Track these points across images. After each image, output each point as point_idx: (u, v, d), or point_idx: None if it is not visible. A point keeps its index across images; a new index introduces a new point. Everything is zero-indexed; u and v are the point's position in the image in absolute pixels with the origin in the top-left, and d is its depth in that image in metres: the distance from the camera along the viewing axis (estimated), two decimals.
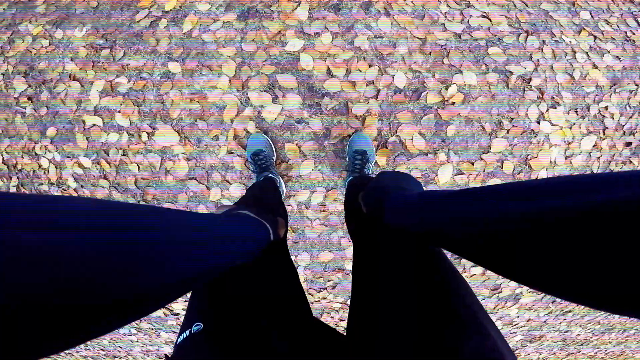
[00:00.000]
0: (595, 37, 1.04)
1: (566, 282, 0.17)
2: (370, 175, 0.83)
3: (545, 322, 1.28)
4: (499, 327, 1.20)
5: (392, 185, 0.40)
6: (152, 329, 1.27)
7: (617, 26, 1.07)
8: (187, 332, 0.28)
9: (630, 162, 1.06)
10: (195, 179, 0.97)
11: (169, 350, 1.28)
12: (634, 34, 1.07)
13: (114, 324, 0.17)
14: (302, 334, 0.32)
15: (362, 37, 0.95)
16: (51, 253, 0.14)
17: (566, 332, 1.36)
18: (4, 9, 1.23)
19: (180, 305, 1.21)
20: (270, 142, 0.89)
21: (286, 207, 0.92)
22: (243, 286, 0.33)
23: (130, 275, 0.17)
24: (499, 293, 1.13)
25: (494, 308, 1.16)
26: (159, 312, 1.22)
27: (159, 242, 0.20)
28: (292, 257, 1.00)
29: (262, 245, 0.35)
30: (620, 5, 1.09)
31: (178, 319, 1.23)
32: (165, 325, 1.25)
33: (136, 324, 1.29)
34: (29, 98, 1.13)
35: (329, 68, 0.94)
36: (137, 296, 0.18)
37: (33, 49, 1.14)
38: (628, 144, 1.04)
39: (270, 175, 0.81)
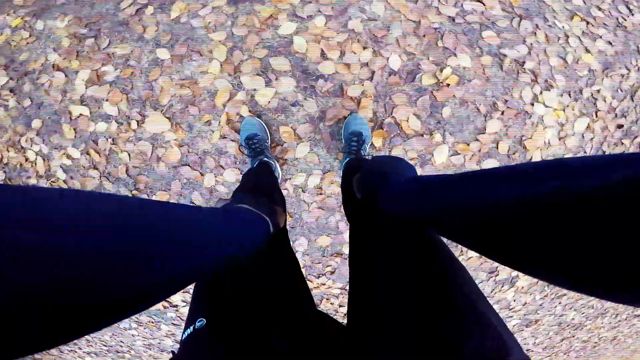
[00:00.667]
0: (587, 23, 1.05)
1: (560, 268, 0.17)
2: (366, 156, 0.82)
3: (541, 305, 1.30)
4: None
5: (386, 170, 0.40)
6: (152, 322, 1.25)
7: (609, 12, 1.08)
8: (191, 328, 0.28)
9: (622, 143, 1.07)
10: (189, 165, 0.94)
11: (170, 343, 1.26)
12: (625, 20, 1.08)
13: (113, 321, 0.18)
14: (302, 334, 0.32)
15: (356, 19, 0.94)
16: (51, 253, 0.14)
17: (561, 315, 1.38)
18: None
19: (179, 297, 1.18)
20: (265, 125, 0.88)
21: (282, 191, 0.91)
22: (244, 285, 0.33)
23: (130, 275, 0.17)
24: (495, 276, 1.14)
25: (491, 292, 1.17)
26: (158, 305, 1.20)
27: (158, 242, 0.20)
28: (290, 243, 0.97)
29: (262, 241, 0.35)
30: None
31: (177, 310, 1.20)
32: (165, 317, 1.22)
33: (136, 318, 1.26)
34: (11, 90, 1.09)
35: (322, 51, 0.92)
36: (137, 296, 0.18)
37: (12, 41, 1.10)
38: (620, 126, 1.05)
39: (265, 159, 0.79)
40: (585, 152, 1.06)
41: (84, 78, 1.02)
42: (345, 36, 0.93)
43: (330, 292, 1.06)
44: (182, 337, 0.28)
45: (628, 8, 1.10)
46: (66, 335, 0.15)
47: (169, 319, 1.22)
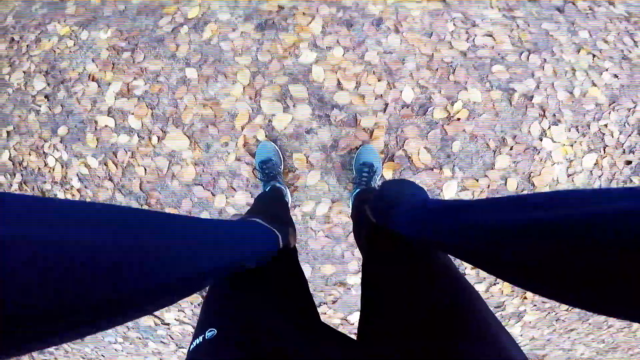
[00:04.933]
0: (594, 56, 1.08)
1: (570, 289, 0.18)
2: (375, 187, 0.84)
3: (549, 340, 1.26)
4: None
5: (398, 192, 0.41)
6: (140, 339, 1.23)
7: (614, 44, 1.11)
8: (201, 337, 0.28)
9: (631, 180, 1.07)
10: (202, 185, 0.97)
11: None
12: (630, 52, 1.11)
13: (156, 309, 0.20)
14: (313, 337, 0.32)
15: (372, 52, 0.99)
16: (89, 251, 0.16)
17: (570, 350, 1.33)
18: (36, 9, 1.27)
19: (172, 315, 1.17)
20: (279, 151, 0.91)
21: (292, 215, 0.92)
22: (254, 296, 0.34)
23: (157, 267, 0.19)
24: (502, 310, 1.12)
25: None
26: (149, 322, 1.19)
27: (176, 242, 0.22)
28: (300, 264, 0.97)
29: (271, 250, 0.36)
30: (617, 23, 1.14)
31: (169, 329, 1.19)
32: (154, 335, 1.21)
33: (123, 332, 1.25)
34: (46, 96, 1.15)
35: (339, 81, 0.97)
36: (159, 286, 0.19)
37: (57, 48, 1.17)
38: (628, 163, 1.06)
39: (277, 184, 0.82)
40: None
41: (115, 90, 1.08)
42: (362, 67, 0.97)
43: (331, 322, 1.05)
44: (189, 347, 0.28)
45: (633, 40, 1.13)
46: (86, 329, 0.16)
47: (158, 337, 1.20)
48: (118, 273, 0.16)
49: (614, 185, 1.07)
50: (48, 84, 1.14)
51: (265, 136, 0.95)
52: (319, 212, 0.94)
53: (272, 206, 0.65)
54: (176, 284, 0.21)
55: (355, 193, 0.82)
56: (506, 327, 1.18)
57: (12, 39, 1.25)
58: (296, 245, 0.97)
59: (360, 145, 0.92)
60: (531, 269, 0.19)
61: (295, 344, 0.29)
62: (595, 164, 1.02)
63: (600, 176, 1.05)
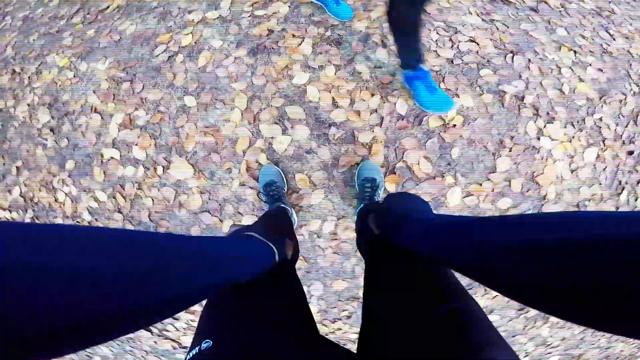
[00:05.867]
0: (575, 52, 1.09)
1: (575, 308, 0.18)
2: (380, 202, 0.85)
3: (582, 339, 1.23)
4: (532, 349, 1.16)
5: (404, 207, 0.42)
6: None
7: (592, 39, 1.12)
8: (197, 349, 0.29)
9: (636, 170, 1.07)
10: (209, 211, 1.00)
11: None
12: (609, 45, 1.12)
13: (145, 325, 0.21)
14: (309, 350, 0.32)
15: (363, 67, 1.00)
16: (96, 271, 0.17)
17: (607, 348, 1.30)
18: (33, 39, 1.31)
19: (189, 338, 1.19)
20: (282, 173, 0.93)
21: (298, 236, 0.94)
22: (250, 308, 0.35)
23: (159, 284, 0.21)
24: (525, 313, 1.11)
25: (524, 329, 1.13)
26: (167, 345, 1.21)
27: (175, 261, 0.23)
28: (305, 287, 0.99)
29: (266, 264, 0.37)
30: (590, 19, 1.15)
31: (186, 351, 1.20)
32: (173, 358, 1.22)
33: (142, 356, 1.26)
34: (51, 129, 1.18)
35: (334, 99, 0.98)
36: (161, 302, 0.21)
37: (59, 80, 1.20)
38: (630, 153, 1.06)
39: (282, 205, 0.83)
40: (600, 184, 1.06)
41: (117, 121, 1.11)
42: (354, 84, 0.99)
43: (347, 337, 1.06)
44: (186, 357, 0.29)
45: (609, 33, 1.14)
46: (101, 337, 0.18)
47: None
48: (121, 292, 0.18)
49: (619, 176, 1.07)
50: (52, 117, 1.18)
51: (267, 159, 0.97)
52: (325, 229, 0.95)
53: (272, 220, 0.66)
54: (174, 300, 0.22)
55: (359, 209, 0.84)
56: (533, 329, 1.16)
57: (14, 71, 1.29)
58: (307, 264, 0.98)
59: (360, 161, 0.94)
60: (552, 290, 0.19)
61: (291, 356, 0.30)
62: (597, 157, 1.02)
63: (604, 169, 1.04)
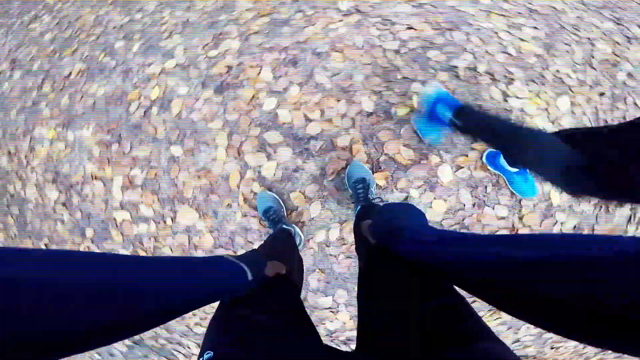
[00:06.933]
0: (504, 16, 1.10)
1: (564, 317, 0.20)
2: (375, 199, 0.90)
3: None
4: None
5: (401, 217, 0.44)
6: None
7: (515, 2, 1.14)
8: None
9: (617, 108, 1.07)
10: (222, 246, 1.08)
11: None
12: (532, 3, 1.14)
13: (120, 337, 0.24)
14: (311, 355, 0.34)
15: (323, 77, 1.04)
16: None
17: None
18: (14, 116, 1.36)
19: None
20: (276, 196, 0.99)
21: (308, 250, 1.01)
22: (253, 314, 0.37)
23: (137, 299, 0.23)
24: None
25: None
26: None
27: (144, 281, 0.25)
28: (330, 298, 1.03)
29: (234, 282, 0.38)
30: None
31: None
32: None
33: None
34: (63, 204, 1.27)
35: (305, 115, 1.03)
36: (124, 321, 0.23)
37: (53, 153, 1.27)
38: (602, 94, 1.06)
39: (284, 226, 0.90)
40: (585, 126, 1.07)
41: (118, 184, 1.19)
42: (320, 96, 1.03)
43: None
44: None
45: None
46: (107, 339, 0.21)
47: None
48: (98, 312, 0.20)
49: (602, 116, 1.07)
50: (60, 192, 1.25)
51: (260, 187, 1.03)
52: (332, 237, 1.01)
53: (267, 244, 0.69)
54: (143, 316, 0.24)
55: (357, 210, 0.89)
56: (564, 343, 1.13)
57: (9, 152, 1.35)
58: (323, 274, 1.03)
59: (346, 165, 0.99)
60: (563, 306, 0.20)
61: None
62: (572, 104, 1.03)
63: (584, 112, 1.06)
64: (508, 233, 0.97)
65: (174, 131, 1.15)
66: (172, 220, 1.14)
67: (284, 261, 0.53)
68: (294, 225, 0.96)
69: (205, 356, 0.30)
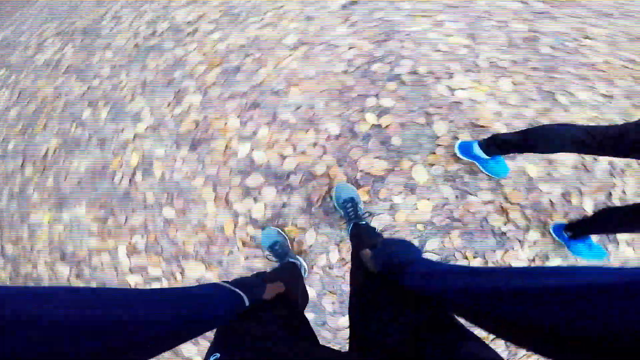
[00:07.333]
0: (426, 17, 1.20)
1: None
2: (364, 215, 0.96)
3: None
4: None
5: (402, 252, 0.46)
6: None
7: (431, 0, 1.23)
8: None
9: (554, 77, 1.15)
10: None
11: None
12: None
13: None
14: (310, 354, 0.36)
15: (287, 114, 1.09)
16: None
17: None
18: (5, 203, 1.39)
19: None
20: (281, 231, 1.05)
21: (314, 275, 1.09)
22: (257, 324, 0.40)
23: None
24: None
25: None
26: None
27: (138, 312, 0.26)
28: (347, 316, 1.07)
29: (230, 305, 0.38)
30: None
31: None
32: None
33: None
34: (77, 276, 1.32)
35: (279, 153, 1.09)
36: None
37: (54, 235, 1.30)
38: (535, 69, 1.14)
39: (290, 260, 0.95)
40: (534, 99, 1.15)
41: (123, 252, 1.24)
42: (288, 132, 1.08)
43: None
44: None
45: None
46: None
47: None
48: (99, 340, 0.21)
49: (546, 87, 1.15)
50: (71, 267, 1.28)
51: (254, 229, 1.10)
52: (332, 259, 1.05)
53: (273, 273, 0.71)
54: (141, 342, 0.24)
55: (350, 228, 0.96)
56: None
57: (11, 240, 1.37)
58: (334, 296, 1.07)
59: (329, 189, 1.06)
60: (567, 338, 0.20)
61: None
62: (513, 84, 1.11)
63: (527, 88, 1.13)
64: (501, 223, 1.04)
65: (161, 194, 1.20)
66: (181, 275, 1.20)
67: (288, 288, 0.55)
68: (298, 257, 1.03)
69: (212, 358, 0.32)
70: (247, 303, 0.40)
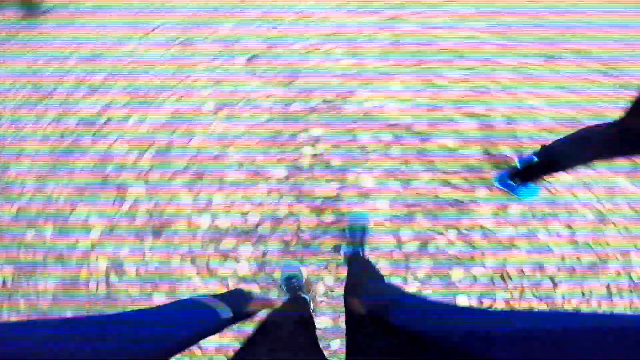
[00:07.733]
0: (317, 50, 1.30)
1: None
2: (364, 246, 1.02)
3: None
4: None
5: (387, 294, 0.48)
6: None
7: (313, 31, 1.35)
8: None
9: (424, 62, 1.31)
10: None
11: None
12: (323, 30, 1.33)
13: None
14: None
15: (233, 174, 1.14)
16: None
17: None
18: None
19: None
20: (300, 266, 1.08)
21: (320, 303, 1.14)
22: (261, 337, 0.47)
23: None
24: None
25: None
26: None
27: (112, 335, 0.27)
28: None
29: (208, 318, 0.39)
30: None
31: None
32: None
33: None
34: None
35: (240, 211, 1.15)
36: None
37: None
38: (410, 65, 1.28)
39: (301, 295, 0.98)
40: (421, 89, 1.29)
41: None
42: (241, 190, 1.14)
43: None
44: None
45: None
46: None
47: None
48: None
49: (446, 72, 1.30)
50: None
51: (247, 283, 1.17)
52: (329, 282, 1.13)
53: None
54: None
55: (347, 253, 1.00)
56: None
57: None
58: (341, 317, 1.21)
59: (299, 226, 1.15)
60: None
61: None
62: (401, 82, 1.23)
63: (413, 82, 1.27)
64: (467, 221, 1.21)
65: (145, 285, 1.20)
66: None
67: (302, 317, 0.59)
68: (308, 295, 1.11)
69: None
70: (225, 315, 0.41)
